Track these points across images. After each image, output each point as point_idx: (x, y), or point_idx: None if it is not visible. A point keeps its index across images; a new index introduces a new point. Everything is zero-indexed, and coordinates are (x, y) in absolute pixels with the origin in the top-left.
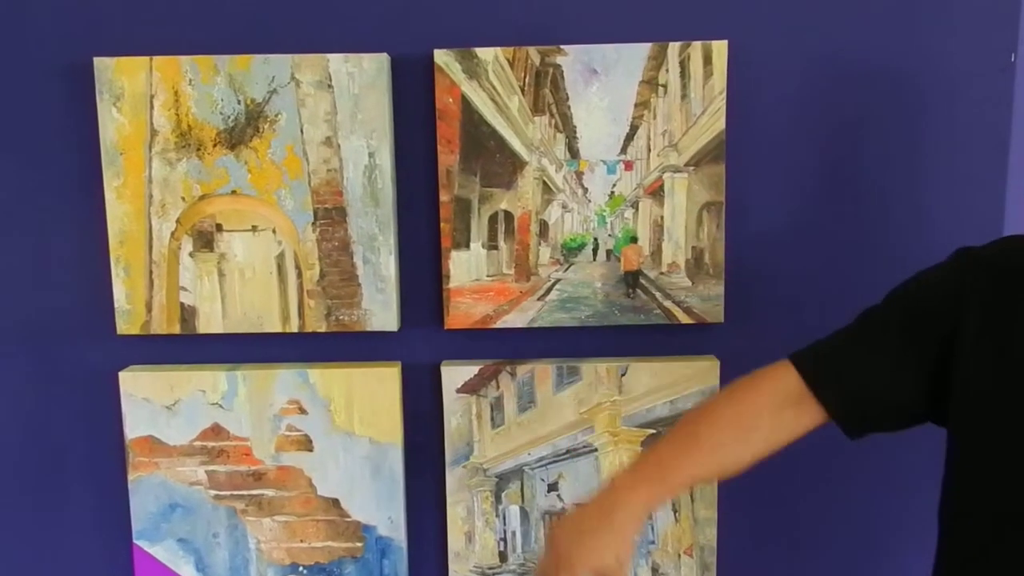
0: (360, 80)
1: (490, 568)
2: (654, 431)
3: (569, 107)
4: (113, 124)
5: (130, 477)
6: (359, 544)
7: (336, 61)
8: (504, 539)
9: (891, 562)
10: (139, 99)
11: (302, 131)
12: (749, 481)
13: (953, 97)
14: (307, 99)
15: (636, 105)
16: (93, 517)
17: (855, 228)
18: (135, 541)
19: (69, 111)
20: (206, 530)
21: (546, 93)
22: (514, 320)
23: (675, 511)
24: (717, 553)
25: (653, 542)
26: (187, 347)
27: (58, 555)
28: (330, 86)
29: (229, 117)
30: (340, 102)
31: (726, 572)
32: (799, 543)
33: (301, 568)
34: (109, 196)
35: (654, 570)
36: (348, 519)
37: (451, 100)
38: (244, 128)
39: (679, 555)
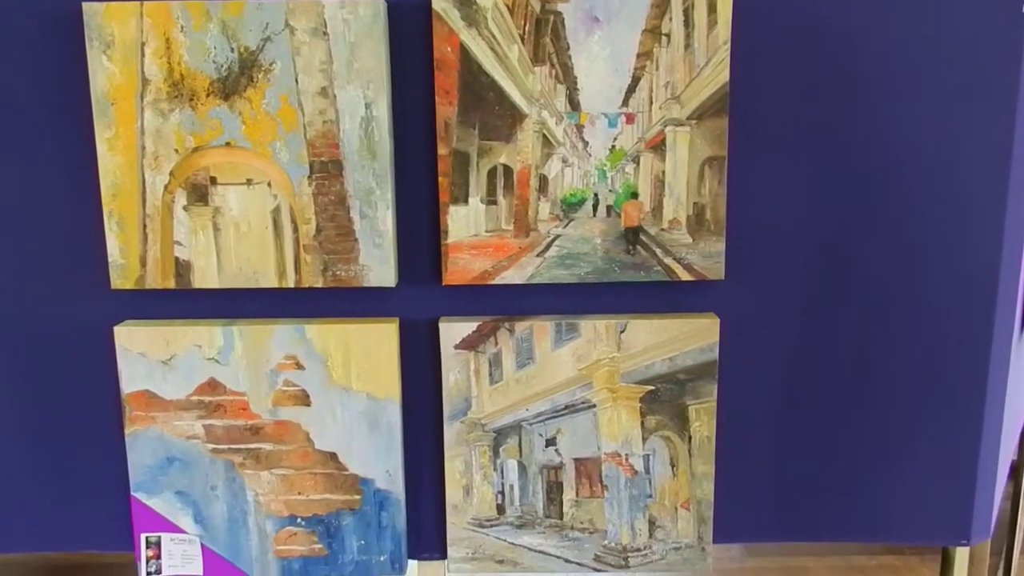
0: (356, 27)
1: (488, 520)
2: (653, 388)
3: (570, 57)
4: (104, 73)
5: (127, 431)
6: (357, 497)
7: (331, 7)
8: (502, 492)
9: (887, 517)
10: (129, 47)
11: (297, 81)
12: (748, 437)
13: (962, 51)
14: (302, 47)
15: (638, 55)
16: (90, 470)
17: (859, 185)
18: (133, 493)
19: (58, 60)
20: (204, 483)
21: (546, 42)
22: (513, 276)
23: (673, 466)
24: (714, 507)
25: (651, 496)
26: (182, 302)
27: (56, 507)
28: (325, 33)
29: (222, 66)
30: (336, 50)
31: (723, 526)
32: (795, 499)
33: (299, 520)
34: (101, 148)
35: (651, 523)
36: (346, 472)
37: (449, 49)
38: (238, 77)
39: (676, 509)
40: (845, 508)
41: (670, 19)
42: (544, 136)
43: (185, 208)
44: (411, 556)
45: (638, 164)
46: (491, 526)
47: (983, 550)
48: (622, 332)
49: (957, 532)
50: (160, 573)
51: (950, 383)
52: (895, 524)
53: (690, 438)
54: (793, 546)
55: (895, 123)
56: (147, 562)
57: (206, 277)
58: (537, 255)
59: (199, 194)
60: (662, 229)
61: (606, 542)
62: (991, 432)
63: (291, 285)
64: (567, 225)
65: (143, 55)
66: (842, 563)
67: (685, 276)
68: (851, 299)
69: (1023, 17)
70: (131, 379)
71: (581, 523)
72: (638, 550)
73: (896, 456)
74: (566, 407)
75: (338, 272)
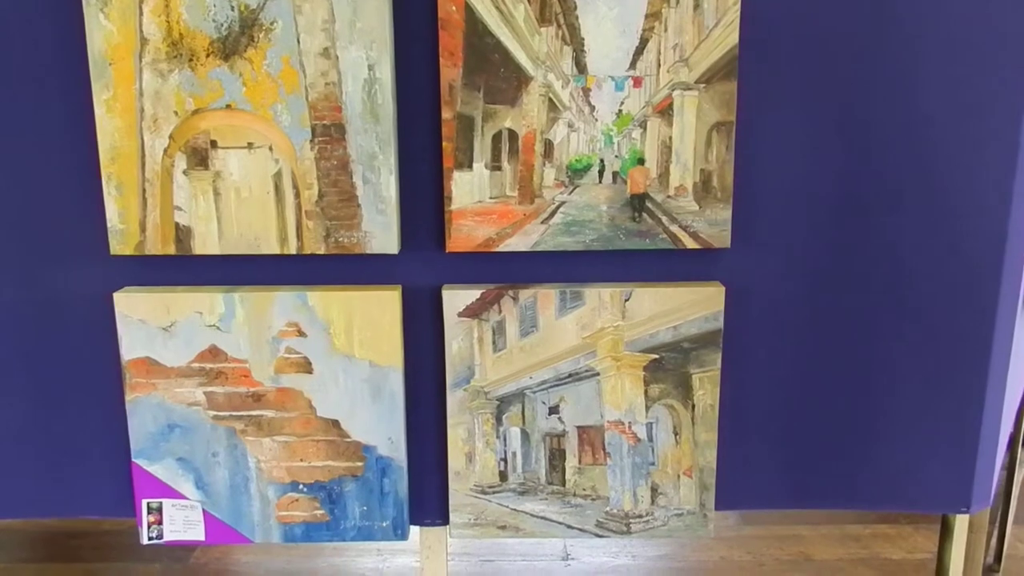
0: None
1: (490, 487)
2: (657, 356)
3: (577, 17)
4: (101, 32)
5: (127, 398)
6: (359, 463)
7: None
8: (504, 459)
9: (888, 485)
10: (127, 4)
11: (299, 41)
12: (751, 406)
13: (976, 16)
14: (304, 5)
15: (647, 16)
16: (91, 437)
17: (869, 153)
18: (134, 460)
19: (55, 18)
20: (205, 449)
21: (553, 2)
22: (517, 244)
23: (676, 434)
24: (716, 475)
25: (653, 463)
26: (183, 268)
27: (57, 474)
28: None
29: (222, 25)
30: (338, 9)
31: (725, 493)
32: (798, 467)
33: (301, 486)
34: (99, 110)
35: (653, 490)
36: (348, 439)
37: (454, 8)
38: (238, 37)
39: (679, 476)
40: (847, 476)
41: None
42: (550, 100)
43: (185, 172)
44: (413, 522)
45: (645, 129)
46: (493, 493)
47: (982, 518)
48: (627, 300)
49: (958, 500)
50: (161, 538)
51: (955, 352)
52: (896, 492)
53: (693, 406)
54: (788, 514)
55: (906, 89)
56: (148, 527)
57: (207, 243)
58: (542, 222)
59: (199, 158)
60: (668, 196)
61: (608, 508)
62: (993, 401)
63: (293, 251)
64: (572, 191)
65: (141, 13)
66: (837, 532)
67: (691, 244)
68: (857, 269)
69: None
70: (131, 346)
71: (584, 490)
72: (640, 516)
73: (898, 425)
74: (570, 375)
75: (340, 238)
